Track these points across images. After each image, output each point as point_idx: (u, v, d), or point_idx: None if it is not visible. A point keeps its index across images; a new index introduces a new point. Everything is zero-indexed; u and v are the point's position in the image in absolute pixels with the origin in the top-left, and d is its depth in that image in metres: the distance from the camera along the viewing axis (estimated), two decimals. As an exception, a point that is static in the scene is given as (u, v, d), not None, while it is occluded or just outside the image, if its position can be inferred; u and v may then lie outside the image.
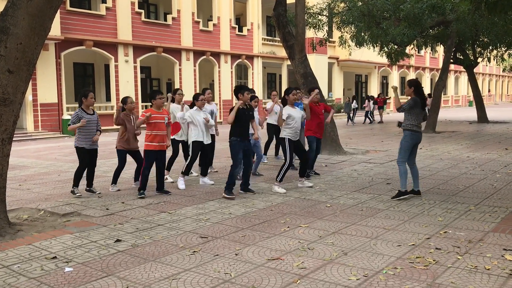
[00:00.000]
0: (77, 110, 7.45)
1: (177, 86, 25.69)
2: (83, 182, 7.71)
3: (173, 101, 8.95)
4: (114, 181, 8.06)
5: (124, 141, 7.89)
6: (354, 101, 27.03)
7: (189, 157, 8.14)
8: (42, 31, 5.32)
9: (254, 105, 9.49)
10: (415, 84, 6.82)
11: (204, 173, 8.52)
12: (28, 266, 4.35)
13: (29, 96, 19.69)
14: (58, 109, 20.93)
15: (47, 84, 20.40)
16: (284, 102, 8.06)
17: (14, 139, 5.76)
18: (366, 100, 27.23)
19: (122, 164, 8.01)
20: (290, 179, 8.69)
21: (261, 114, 10.56)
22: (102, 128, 24.37)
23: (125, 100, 8.07)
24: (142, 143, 7.62)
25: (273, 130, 10.79)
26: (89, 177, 7.65)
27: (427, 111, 6.88)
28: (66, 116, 20.45)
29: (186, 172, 8.16)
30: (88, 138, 7.43)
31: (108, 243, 5.01)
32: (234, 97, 7.58)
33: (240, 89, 7.37)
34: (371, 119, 26.74)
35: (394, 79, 42.83)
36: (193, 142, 8.08)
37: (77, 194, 7.44)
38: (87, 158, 7.48)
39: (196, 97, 8.37)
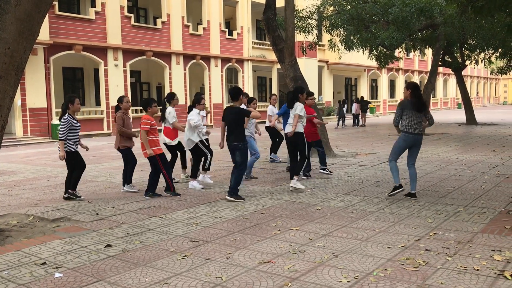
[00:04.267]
0: (66, 116, 7.40)
1: (167, 90, 25.63)
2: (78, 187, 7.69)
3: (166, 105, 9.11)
4: (129, 181, 8.20)
5: (125, 140, 8.01)
6: (345, 105, 27.14)
7: (208, 156, 8.44)
8: (31, 36, 5.29)
9: (253, 107, 9.73)
10: (412, 87, 6.92)
11: (194, 175, 8.52)
12: (17, 272, 4.31)
13: (17, 101, 19.53)
14: (47, 114, 20.79)
15: (36, 88, 20.27)
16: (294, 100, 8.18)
17: (2, 144, 5.72)
18: (354, 103, 27.35)
19: (134, 162, 8.16)
20: (281, 182, 8.71)
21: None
22: (92, 132, 24.00)
23: (121, 99, 8.16)
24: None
25: (273, 132, 11.14)
26: (74, 180, 7.64)
27: (431, 114, 6.96)
28: (55, 121, 20.31)
29: (208, 167, 8.62)
30: (76, 142, 7.47)
31: (99, 248, 4.98)
32: (224, 100, 7.70)
33: (241, 92, 7.62)
34: (357, 122, 26.82)
35: (384, 82, 43.11)
36: (200, 141, 8.38)
37: (81, 197, 7.56)
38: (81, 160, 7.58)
39: (198, 100, 8.50)
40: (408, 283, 3.83)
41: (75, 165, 7.51)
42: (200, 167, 8.59)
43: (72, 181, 7.56)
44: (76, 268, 4.37)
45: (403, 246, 4.77)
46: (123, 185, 8.20)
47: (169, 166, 7.83)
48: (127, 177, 8.13)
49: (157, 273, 4.20)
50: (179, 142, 8.88)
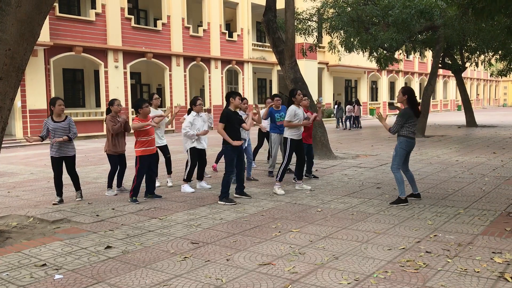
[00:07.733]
0: (47, 118, 7.35)
1: (167, 91, 25.67)
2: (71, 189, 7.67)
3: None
4: (109, 185, 8.10)
5: (112, 145, 7.92)
6: (342, 106, 27.21)
7: (189, 164, 8.24)
8: (31, 37, 5.30)
9: (244, 107, 9.54)
10: (409, 93, 6.80)
11: (200, 177, 8.50)
12: (17, 273, 4.31)
13: (18, 102, 19.52)
14: (47, 115, 20.71)
15: (36, 90, 20.26)
16: (290, 103, 8.15)
17: (2, 145, 5.72)
18: (355, 105, 27.25)
19: (114, 168, 8.05)
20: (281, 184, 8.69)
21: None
22: (92, 134, 23.78)
23: (112, 102, 8.02)
24: (130, 148, 7.59)
25: (263, 135, 10.91)
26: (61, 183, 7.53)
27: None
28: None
29: (189, 178, 8.23)
30: (55, 147, 7.32)
31: (99, 249, 4.98)
32: (224, 102, 7.69)
33: (232, 94, 7.49)
34: (356, 124, 26.61)
35: (384, 84, 43.13)
36: (190, 148, 8.21)
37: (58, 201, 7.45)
38: (59, 166, 7.40)
39: (194, 102, 8.40)
40: (408, 285, 3.83)
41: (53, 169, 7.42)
42: (194, 173, 8.47)
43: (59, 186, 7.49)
44: (76, 270, 4.37)
45: (403, 248, 4.77)
46: (117, 186, 8.24)
47: (143, 174, 7.40)
48: (110, 181, 8.07)
49: (157, 275, 4.20)
50: (165, 146, 8.71)
